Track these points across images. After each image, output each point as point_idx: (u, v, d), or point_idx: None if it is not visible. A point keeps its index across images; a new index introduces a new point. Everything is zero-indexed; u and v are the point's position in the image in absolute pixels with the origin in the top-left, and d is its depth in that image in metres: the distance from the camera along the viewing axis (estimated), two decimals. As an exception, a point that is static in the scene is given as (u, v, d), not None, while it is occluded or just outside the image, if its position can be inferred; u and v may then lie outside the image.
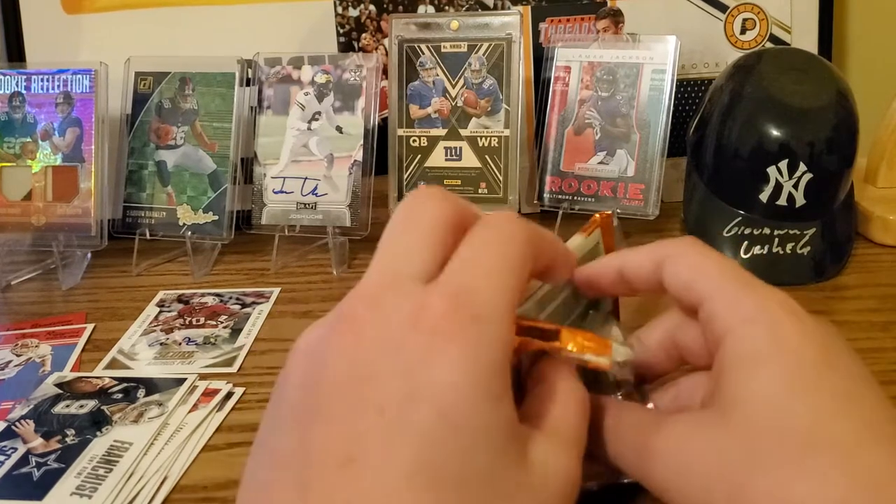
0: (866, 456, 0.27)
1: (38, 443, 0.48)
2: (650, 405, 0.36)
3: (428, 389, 0.26)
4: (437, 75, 0.74)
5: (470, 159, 0.74)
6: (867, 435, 0.27)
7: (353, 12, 0.83)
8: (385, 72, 0.78)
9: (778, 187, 0.65)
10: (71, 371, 0.57)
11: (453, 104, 0.74)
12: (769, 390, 0.29)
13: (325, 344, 0.28)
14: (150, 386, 0.54)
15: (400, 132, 0.75)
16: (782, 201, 0.65)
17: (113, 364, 0.58)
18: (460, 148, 0.74)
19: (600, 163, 0.73)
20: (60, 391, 0.54)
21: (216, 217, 0.74)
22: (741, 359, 0.30)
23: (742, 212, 0.67)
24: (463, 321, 0.27)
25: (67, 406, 0.52)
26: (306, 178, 0.74)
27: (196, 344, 0.60)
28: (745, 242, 0.66)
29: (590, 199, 0.73)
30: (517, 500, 0.27)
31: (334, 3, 0.83)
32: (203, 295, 0.68)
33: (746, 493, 0.27)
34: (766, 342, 0.30)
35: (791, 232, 0.65)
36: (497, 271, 0.29)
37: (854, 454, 0.27)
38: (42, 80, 0.75)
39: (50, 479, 0.45)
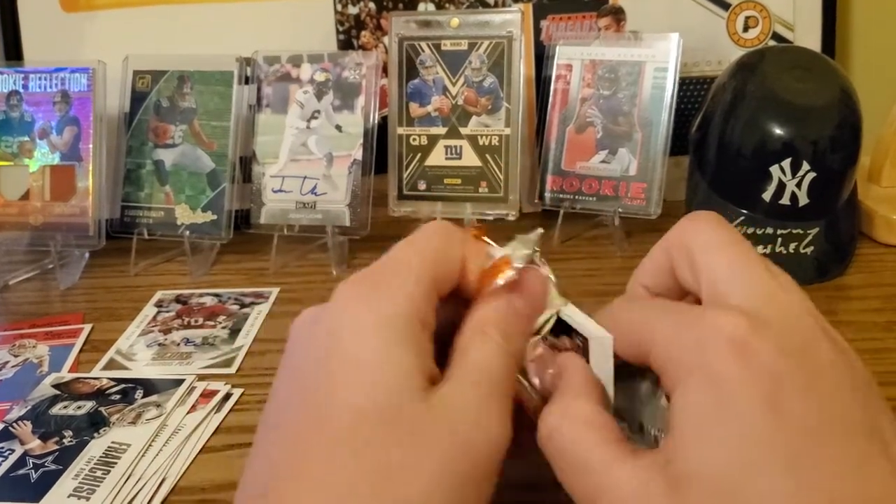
0: None
1: (35, 444, 0.48)
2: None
3: (340, 333, 0.29)
4: (438, 73, 0.74)
5: (470, 158, 0.74)
6: None
7: (352, 10, 0.82)
8: (385, 70, 0.77)
9: (781, 186, 0.64)
10: (69, 372, 0.57)
11: (454, 102, 0.74)
12: (719, 469, 0.26)
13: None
14: (148, 387, 0.53)
15: (400, 131, 0.75)
16: (785, 200, 0.65)
17: (111, 365, 0.58)
18: (461, 147, 0.74)
19: (602, 162, 0.73)
20: (58, 392, 0.53)
21: (215, 216, 0.74)
22: (687, 422, 0.27)
23: (745, 211, 0.66)
24: (368, 290, 0.31)
25: (65, 407, 0.52)
26: (305, 177, 0.73)
27: (194, 344, 0.60)
28: (749, 242, 0.65)
29: (591, 199, 0.73)
30: (420, 435, 0.28)
31: (334, 0, 0.82)
32: (201, 295, 0.68)
33: None
34: (709, 404, 0.27)
35: (794, 231, 0.65)
36: (401, 259, 0.32)
37: None
38: (40, 78, 0.74)
39: (48, 481, 0.44)
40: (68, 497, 0.43)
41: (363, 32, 0.83)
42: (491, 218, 0.73)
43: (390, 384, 0.28)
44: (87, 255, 0.74)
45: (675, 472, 0.27)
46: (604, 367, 0.32)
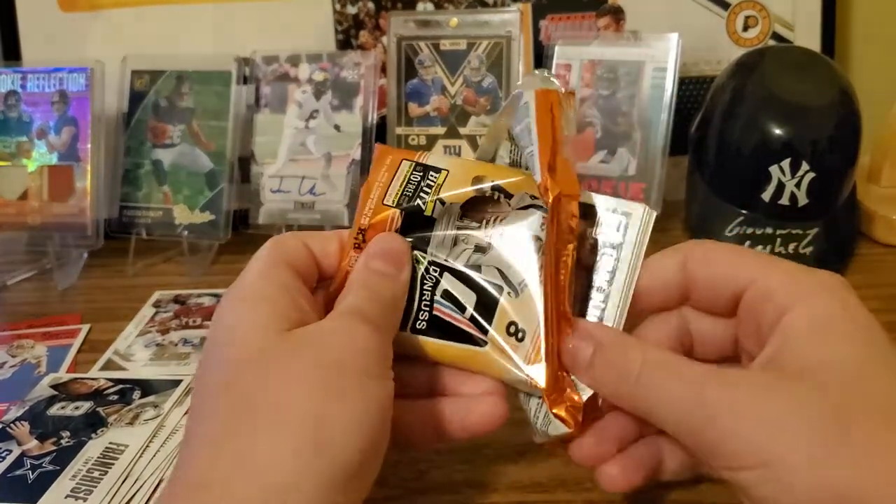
0: None
1: (33, 445, 0.48)
2: None
3: (214, 321, 0.35)
4: (436, 73, 0.74)
5: (469, 158, 0.74)
6: None
7: (351, 9, 0.82)
8: (383, 69, 0.77)
9: (780, 186, 0.64)
10: (66, 372, 0.57)
11: (452, 102, 0.74)
12: (845, 357, 0.30)
13: None
14: (146, 387, 0.53)
15: (398, 131, 0.75)
16: (785, 200, 0.64)
17: (108, 365, 0.58)
18: (459, 147, 0.74)
19: (601, 161, 0.72)
20: (56, 392, 0.53)
21: (213, 216, 0.73)
22: (811, 329, 0.31)
23: (744, 211, 0.66)
24: (233, 286, 0.36)
25: (63, 408, 0.51)
26: (304, 177, 0.73)
27: (192, 345, 0.59)
28: (748, 242, 0.65)
29: (590, 199, 0.72)
30: (280, 357, 0.32)
31: (332, 0, 0.82)
32: (199, 295, 0.67)
33: (841, 445, 0.28)
34: (837, 314, 0.31)
35: (794, 232, 0.65)
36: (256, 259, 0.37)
37: None
38: (38, 78, 0.74)
39: (45, 482, 0.44)
40: (66, 498, 0.43)
41: (362, 32, 0.83)
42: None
43: (252, 332, 0.33)
44: (85, 255, 0.74)
45: (796, 368, 0.30)
46: (643, 240, 0.36)
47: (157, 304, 0.66)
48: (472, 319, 0.37)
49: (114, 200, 0.75)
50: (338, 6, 0.82)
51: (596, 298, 0.37)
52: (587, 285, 0.37)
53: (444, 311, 0.38)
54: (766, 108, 0.65)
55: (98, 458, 0.46)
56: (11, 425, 0.49)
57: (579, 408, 0.35)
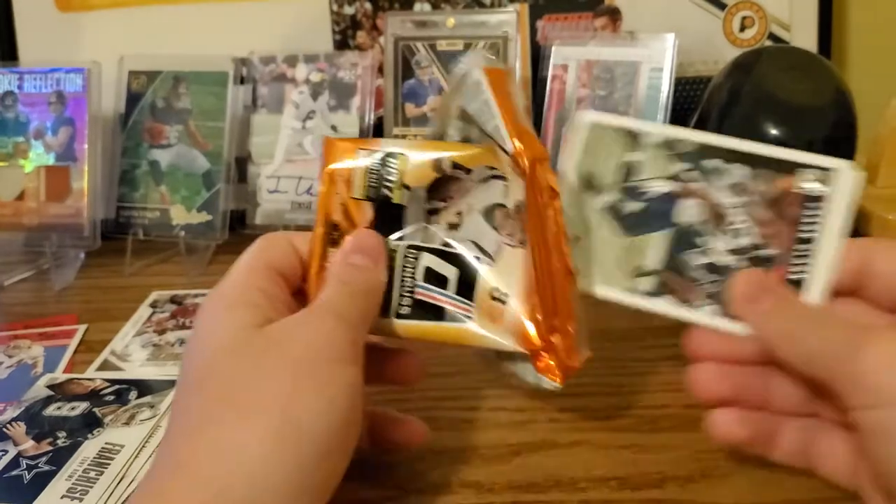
0: None
1: (29, 445, 0.47)
2: None
3: (196, 320, 0.37)
4: (434, 74, 0.74)
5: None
6: None
7: (348, 10, 0.82)
8: (380, 70, 0.77)
9: (777, 186, 0.64)
10: (63, 372, 0.57)
11: (449, 103, 0.74)
12: None
13: None
14: (143, 388, 0.53)
15: (395, 131, 0.75)
16: (781, 200, 0.64)
17: (105, 365, 0.58)
18: (457, 147, 0.74)
19: (598, 162, 0.72)
20: (52, 393, 0.53)
21: (210, 217, 0.73)
22: None
23: (741, 211, 0.66)
24: (216, 287, 0.38)
25: (59, 408, 0.51)
26: (301, 178, 0.73)
27: (189, 345, 0.59)
28: None
29: (587, 199, 0.73)
30: (259, 350, 0.34)
31: (329, 0, 0.82)
32: (196, 296, 0.67)
33: None
34: None
35: (790, 231, 0.65)
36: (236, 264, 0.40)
37: None
38: (34, 78, 0.74)
39: (41, 482, 0.44)
40: (61, 498, 0.43)
41: (359, 32, 0.83)
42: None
43: (228, 331, 0.35)
44: (82, 255, 0.74)
45: None
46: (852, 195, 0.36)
47: (153, 305, 0.66)
48: (456, 294, 0.39)
49: (111, 201, 0.75)
50: (335, 7, 0.82)
51: (803, 250, 0.37)
52: (792, 238, 0.37)
53: (427, 293, 0.39)
54: (763, 108, 0.65)
55: (94, 458, 0.46)
56: (7, 426, 0.49)
57: (567, 366, 0.37)
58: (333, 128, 0.73)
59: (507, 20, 0.72)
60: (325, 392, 0.33)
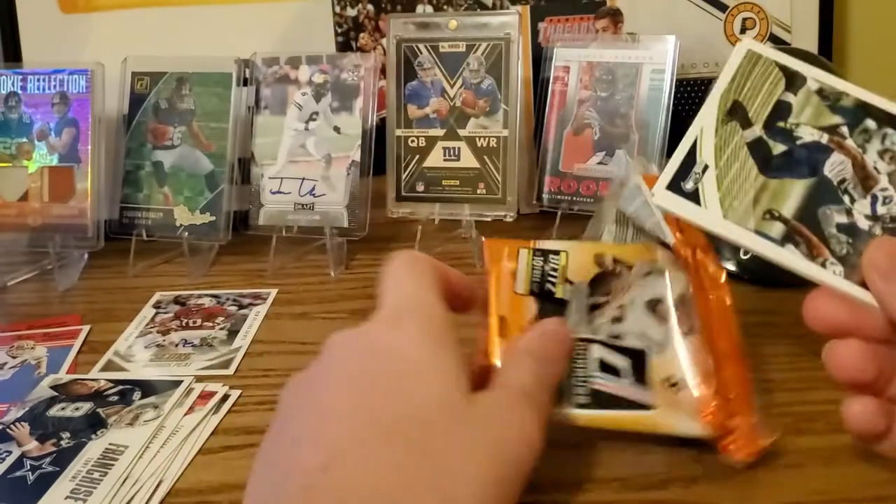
0: None
1: (32, 446, 0.48)
2: None
3: (390, 345, 0.34)
4: (436, 75, 0.74)
5: (468, 159, 0.74)
6: None
7: (350, 12, 0.82)
8: (383, 71, 0.77)
9: (778, 188, 0.64)
10: (66, 373, 0.57)
11: (452, 104, 0.74)
12: None
13: None
14: (146, 388, 0.53)
15: (398, 132, 0.75)
16: (783, 202, 0.64)
17: (109, 366, 0.58)
18: (458, 148, 0.74)
19: (599, 163, 0.73)
20: (56, 393, 0.53)
21: (213, 218, 0.74)
22: None
23: (742, 212, 0.66)
24: (402, 316, 0.36)
25: (63, 409, 0.52)
26: (304, 179, 0.73)
27: (192, 346, 0.60)
28: None
29: (589, 200, 0.73)
30: (468, 425, 0.32)
31: (332, 2, 0.82)
32: (200, 296, 0.68)
33: None
34: None
35: (791, 233, 0.65)
36: (417, 282, 0.37)
37: None
38: (38, 80, 0.74)
39: (44, 483, 0.44)
40: (65, 499, 0.43)
41: (361, 34, 0.83)
42: (489, 219, 0.73)
43: (442, 383, 0.33)
44: (85, 256, 0.74)
45: None
46: None
47: (157, 305, 0.67)
48: (632, 384, 0.41)
49: (114, 202, 0.75)
50: (337, 8, 0.82)
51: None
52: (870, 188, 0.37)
53: (605, 383, 0.41)
54: (764, 109, 0.65)
55: (98, 459, 0.46)
56: (11, 426, 0.50)
57: (755, 448, 0.39)
58: (336, 129, 0.73)
59: (509, 22, 0.73)
60: (516, 484, 0.33)
